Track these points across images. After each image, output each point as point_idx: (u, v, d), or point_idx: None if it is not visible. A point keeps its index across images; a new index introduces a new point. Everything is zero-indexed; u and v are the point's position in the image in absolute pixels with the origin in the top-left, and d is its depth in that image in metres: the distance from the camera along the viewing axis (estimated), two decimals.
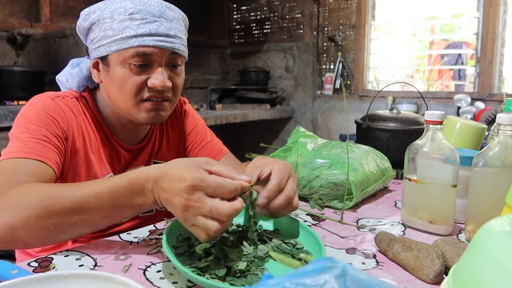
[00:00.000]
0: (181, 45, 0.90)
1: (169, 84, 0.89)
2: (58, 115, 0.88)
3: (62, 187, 0.70)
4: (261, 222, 0.81)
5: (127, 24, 0.85)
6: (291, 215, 0.80)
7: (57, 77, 1.00)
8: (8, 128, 0.89)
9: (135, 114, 0.90)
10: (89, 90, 0.97)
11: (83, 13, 0.90)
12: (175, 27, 0.89)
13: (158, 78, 0.87)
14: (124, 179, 0.67)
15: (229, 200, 0.62)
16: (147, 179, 0.65)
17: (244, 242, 0.71)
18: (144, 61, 0.87)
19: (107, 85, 0.91)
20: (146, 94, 0.89)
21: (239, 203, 0.62)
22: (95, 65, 0.92)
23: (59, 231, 0.68)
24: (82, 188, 0.69)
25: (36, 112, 0.86)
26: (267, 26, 4.10)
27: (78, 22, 0.92)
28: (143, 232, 0.83)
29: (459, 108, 2.90)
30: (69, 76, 0.97)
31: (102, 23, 0.87)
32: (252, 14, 4.21)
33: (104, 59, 0.89)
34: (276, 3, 4.01)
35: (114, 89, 0.89)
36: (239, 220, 0.80)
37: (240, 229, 0.76)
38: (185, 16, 0.95)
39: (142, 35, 0.85)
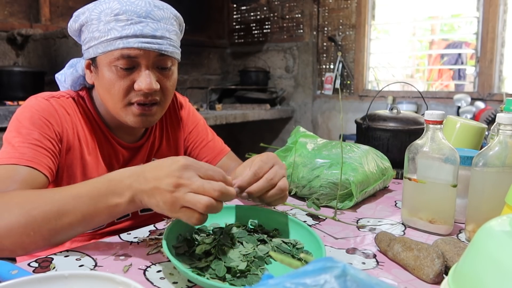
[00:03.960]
0: (169, 46, 0.87)
1: (157, 86, 0.87)
2: (52, 116, 0.87)
3: (43, 193, 0.70)
4: (261, 222, 0.81)
5: (112, 26, 0.83)
6: (290, 215, 0.80)
7: (56, 75, 1.00)
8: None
9: (123, 116, 0.90)
10: (86, 89, 0.97)
11: (74, 14, 0.90)
12: (163, 27, 0.86)
13: (144, 81, 0.85)
14: (104, 178, 0.68)
15: None
16: (129, 175, 0.66)
17: (244, 242, 0.71)
18: (130, 64, 0.85)
19: (98, 87, 0.91)
20: (134, 98, 0.87)
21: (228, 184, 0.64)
22: (88, 66, 0.92)
23: (38, 238, 0.67)
24: (61, 191, 0.69)
25: (29, 115, 0.85)
26: (267, 26, 4.10)
27: (69, 24, 0.91)
28: (143, 232, 0.83)
29: (459, 108, 2.90)
30: (65, 76, 0.97)
31: (90, 24, 0.86)
32: (252, 14, 4.21)
33: (93, 60, 0.89)
34: (276, 3, 4.01)
35: (103, 90, 0.89)
36: (239, 220, 0.80)
37: (240, 229, 0.76)
38: (178, 15, 0.93)
39: (126, 37, 0.83)
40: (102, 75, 0.87)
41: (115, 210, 0.68)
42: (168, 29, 0.87)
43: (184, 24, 0.97)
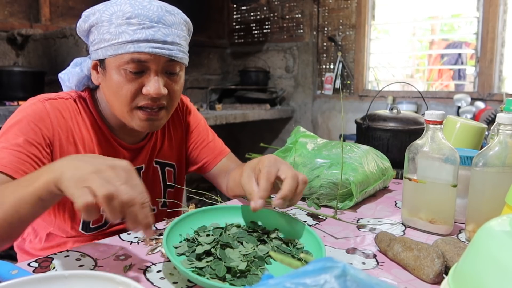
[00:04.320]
0: (179, 52, 0.87)
1: (165, 91, 0.87)
2: (42, 120, 0.87)
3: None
4: (261, 222, 0.81)
5: (123, 29, 0.83)
6: (291, 215, 0.80)
7: (59, 74, 1.00)
8: None
9: (129, 120, 0.90)
10: (89, 90, 0.97)
11: (84, 14, 0.89)
12: (173, 33, 0.86)
13: (153, 86, 0.85)
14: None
15: None
16: (71, 155, 0.67)
17: (244, 242, 0.71)
18: (140, 68, 0.85)
19: (104, 88, 0.91)
20: (141, 102, 0.87)
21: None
22: (95, 67, 0.92)
23: None
24: (6, 183, 0.70)
25: (18, 119, 0.86)
26: (267, 26, 4.10)
27: (78, 24, 0.91)
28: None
29: (459, 108, 2.89)
30: (70, 75, 0.97)
31: (100, 26, 0.86)
32: (252, 14, 4.21)
33: (101, 62, 0.89)
34: (276, 3, 4.01)
35: (110, 93, 0.89)
36: (239, 220, 0.81)
37: (240, 229, 0.76)
38: (188, 20, 0.93)
39: (138, 41, 0.83)
40: (110, 77, 0.87)
41: (40, 191, 0.63)
42: (178, 35, 0.87)
43: (192, 29, 0.96)
